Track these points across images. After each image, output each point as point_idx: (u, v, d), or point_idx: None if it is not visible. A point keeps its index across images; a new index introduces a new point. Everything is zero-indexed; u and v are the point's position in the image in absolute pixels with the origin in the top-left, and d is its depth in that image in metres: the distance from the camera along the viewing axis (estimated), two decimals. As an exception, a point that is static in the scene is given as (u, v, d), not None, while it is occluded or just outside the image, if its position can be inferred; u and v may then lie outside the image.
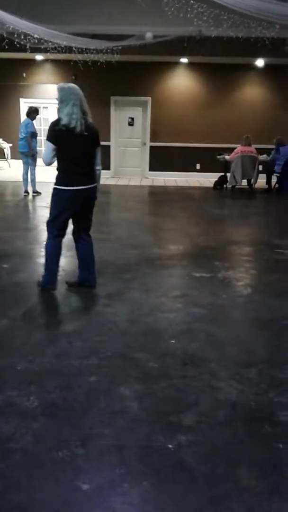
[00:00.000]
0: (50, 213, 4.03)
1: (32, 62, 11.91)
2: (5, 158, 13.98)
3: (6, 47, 8.56)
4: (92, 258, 4.23)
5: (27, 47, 8.68)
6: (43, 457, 2.09)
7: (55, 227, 4.01)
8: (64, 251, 5.42)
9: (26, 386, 2.64)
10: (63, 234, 4.07)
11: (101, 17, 9.52)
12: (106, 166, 12.77)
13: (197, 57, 11.15)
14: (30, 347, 3.11)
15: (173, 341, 3.27)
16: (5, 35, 8.37)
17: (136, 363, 2.95)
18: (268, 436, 2.29)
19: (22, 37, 8.34)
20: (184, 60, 11.86)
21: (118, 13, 9.29)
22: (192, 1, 7.26)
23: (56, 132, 3.73)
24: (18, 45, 8.67)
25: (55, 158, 3.85)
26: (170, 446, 2.19)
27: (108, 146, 12.68)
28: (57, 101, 3.77)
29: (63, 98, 3.71)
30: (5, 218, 7.57)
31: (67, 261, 4.84)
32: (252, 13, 7.25)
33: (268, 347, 3.25)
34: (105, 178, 12.47)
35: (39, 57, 11.52)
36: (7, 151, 13.89)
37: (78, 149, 3.80)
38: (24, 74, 12.09)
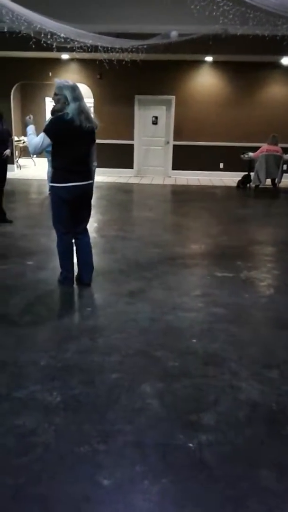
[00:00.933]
0: (52, 213, 4.08)
1: (58, 61, 12.01)
2: (30, 156, 14.17)
3: (33, 46, 8.65)
4: (86, 254, 4.23)
5: (54, 46, 8.75)
6: (65, 451, 2.13)
7: (61, 225, 4.06)
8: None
9: (49, 382, 2.68)
10: (69, 231, 4.10)
11: (126, 16, 9.54)
12: (129, 165, 12.82)
13: (222, 55, 11.08)
14: (53, 343, 3.15)
15: (194, 340, 3.28)
16: (32, 35, 8.45)
17: (157, 361, 2.97)
18: (289, 438, 2.27)
19: (48, 37, 8.41)
20: (209, 58, 11.79)
21: (144, 11, 9.29)
22: (218, -1, 7.21)
23: (58, 129, 3.73)
24: (44, 45, 8.75)
25: (41, 151, 3.90)
26: (190, 445, 2.20)
27: (132, 145, 12.72)
28: (57, 97, 3.78)
29: (66, 94, 3.69)
30: (30, 216, 7.67)
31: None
32: (278, 11, 7.15)
33: (290, 349, 3.23)
34: (128, 176, 12.53)
35: (65, 56, 11.61)
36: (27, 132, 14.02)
37: (79, 146, 3.81)
38: (50, 73, 12.19)
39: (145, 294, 4.14)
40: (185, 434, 2.27)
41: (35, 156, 13.80)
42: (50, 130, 3.75)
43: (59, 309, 3.83)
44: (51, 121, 3.83)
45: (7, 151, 6.47)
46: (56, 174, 3.89)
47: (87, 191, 4.02)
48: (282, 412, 2.46)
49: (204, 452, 2.16)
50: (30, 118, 4.01)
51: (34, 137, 3.83)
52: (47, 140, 3.74)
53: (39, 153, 3.87)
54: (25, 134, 13.79)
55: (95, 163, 4.08)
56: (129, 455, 2.12)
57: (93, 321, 3.58)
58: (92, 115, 3.87)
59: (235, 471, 2.05)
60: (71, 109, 3.68)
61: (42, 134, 3.74)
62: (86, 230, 4.22)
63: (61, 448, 2.15)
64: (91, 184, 4.04)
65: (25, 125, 4.02)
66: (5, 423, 2.31)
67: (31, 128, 3.91)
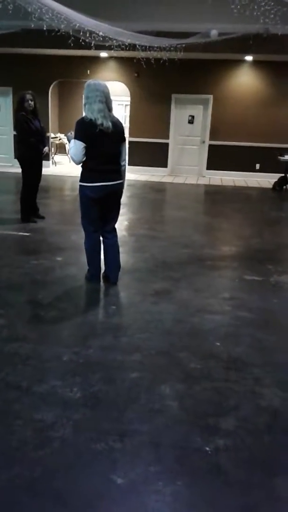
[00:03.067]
0: (80, 212, 4.10)
1: (96, 59, 12.11)
2: (66, 153, 14.34)
3: (72, 44, 8.74)
4: (114, 257, 4.25)
5: (92, 44, 8.84)
6: (82, 447, 2.15)
7: (89, 224, 4.09)
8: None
9: (70, 377, 2.71)
10: (97, 230, 4.13)
11: (166, 15, 9.52)
12: (163, 164, 12.79)
13: (262, 55, 10.91)
14: (77, 339, 3.19)
15: (218, 343, 3.24)
16: (71, 33, 8.55)
17: (179, 362, 2.95)
18: (309, 448, 2.22)
19: (87, 35, 8.50)
20: (248, 58, 11.63)
21: (183, 10, 9.25)
22: (259, -1, 7.12)
23: (85, 130, 3.72)
24: (83, 43, 8.84)
25: (84, 156, 3.79)
26: (207, 448, 2.19)
27: (167, 144, 12.69)
28: (84, 98, 3.78)
29: (89, 95, 3.70)
30: (63, 212, 7.77)
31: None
32: None
33: None
34: (162, 175, 12.51)
35: (103, 54, 11.69)
36: (68, 147, 14.22)
37: (105, 146, 3.79)
38: (88, 71, 12.31)
39: (171, 294, 4.12)
40: (203, 438, 2.25)
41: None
42: (77, 133, 3.76)
43: (85, 306, 3.86)
44: (76, 125, 3.82)
45: (46, 148, 6.57)
46: (84, 174, 3.93)
47: (116, 191, 4.00)
48: (304, 422, 2.41)
49: (221, 457, 2.13)
50: (71, 134, 3.99)
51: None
52: (80, 144, 3.72)
53: (81, 160, 3.79)
54: (61, 132, 14.02)
55: (124, 162, 4.02)
56: (145, 455, 2.12)
57: (117, 319, 3.59)
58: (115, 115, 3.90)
59: (250, 478, 2.02)
60: (87, 110, 3.71)
61: (73, 141, 3.78)
62: (114, 229, 4.23)
63: (77, 444, 2.17)
64: (120, 184, 4.02)
65: (68, 141, 4.04)
66: (25, 416, 2.35)
67: (72, 142, 3.88)
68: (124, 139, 3.99)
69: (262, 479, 2.02)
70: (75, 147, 3.74)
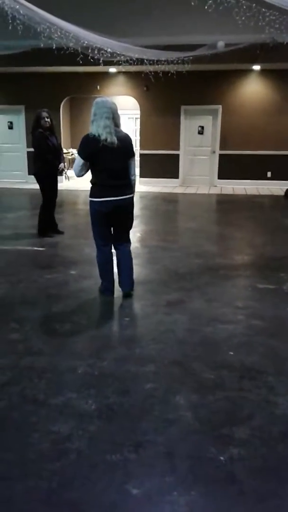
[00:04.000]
0: (91, 226, 4.18)
1: (105, 74, 12.30)
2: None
3: (81, 61, 8.91)
4: (127, 266, 4.27)
5: (100, 60, 8.99)
6: (97, 459, 2.18)
7: (99, 238, 4.16)
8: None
9: (85, 389, 2.75)
10: (108, 243, 4.19)
11: (173, 28, 9.65)
12: (175, 175, 12.87)
13: (270, 64, 10.97)
14: (91, 352, 3.23)
15: (231, 352, 3.26)
16: (80, 50, 8.72)
17: (192, 372, 2.97)
18: None
19: (95, 52, 8.66)
20: (256, 67, 11.71)
21: (190, 23, 9.36)
22: (263, 10, 7.17)
23: (87, 147, 3.84)
24: (92, 60, 9.01)
25: (84, 171, 3.94)
26: (221, 458, 2.20)
27: (177, 155, 12.78)
28: (92, 115, 3.87)
29: (96, 112, 3.81)
30: (76, 226, 7.87)
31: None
32: None
33: None
34: (173, 186, 12.58)
35: (112, 69, 11.88)
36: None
37: (111, 161, 3.86)
38: (98, 87, 12.50)
39: (184, 305, 4.15)
40: (217, 447, 2.27)
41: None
42: (80, 150, 3.90)
43: (99, 318, 3.91)
44: (80, 142, 3.93)
45: (61, 165, 6.70)
46: (92, 189, 4.01)
47: (124, 206, 4.02)
48: None
49: (235, 466, 2.15)
50: None
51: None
52: (80, 160, 3.89)
53: (82, 174, 3.95)
54: (73, 147, 14.18)
55: (133, 177, 4.08)
56: (160, 465, 2.14)
57: (130, 331, 3.63)
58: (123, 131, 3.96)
59: (265, 487, 2.03)
60: (94, 127, 3.81)
61: (76, 156, 3.95)
62: (127, 240, 4.27)
63: (93, 455, 2.20)
64: (129, 199, 4.05)
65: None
66: (41, 428, 2.39)
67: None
68: (132, 154, 4.04)
69: (277, 487, 2.03)
70: (76, 162, 3.95)
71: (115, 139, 3.80)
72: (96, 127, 3.79)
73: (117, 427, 2.42)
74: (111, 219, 4.05)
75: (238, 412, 2.56)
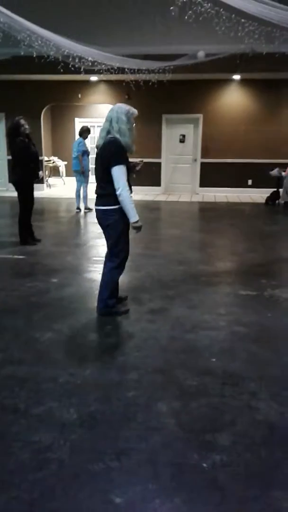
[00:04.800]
0: None
1: (87, 83, 12.33)
2: (60, 175, 14.49)
3: (61, 70, 8.92)
4: (101, 282, 3.98)
5: (82, 69, 9.01)
6: (79, 468, 2.15)
7: None
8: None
9: (67, 398, 2.72)
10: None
11: (153, 38, 9.74)
12: (157, 183, 12.93)
13: (249, 73, 11.14)
14: (73, 360, 3.20)
15: (213, 359, 3.26)
16: (60, 59, 8.72)
17: (175, 380, 2.97)
18: (305, 461, 2.23)
19: (76, 60, 8.67)
20: (236, 76, 11.87)
21: (170, 33, 9.46)
22: (242, 20, 7.28)
23: None
24: (72, 68, 9.02)
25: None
26: (204, 465, 2.19)
27: (159, 163, 12.85)
28: None
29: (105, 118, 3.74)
30: (57, 233, 7.83)
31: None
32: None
33: (311, 369, 3.17)
34: (156, 194, 12.62)
35: (93, 78, 11.91)
36: (62, 169, 14.40)
37: (96, 167, 3.81)
38: (80, 95, 12.52)
39: (167, 312, 4.15)
40: (200, 454, 2.26)
41: (64, 176, 14.16)
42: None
43: (81, 327, 3.87)
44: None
45: (41, 173, 6.71)
46: None
47: (100, 217, 3.81)
48: (300, 434, 2.42)
49: (218, 472, 2.14)
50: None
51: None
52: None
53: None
54: (54, 155, 14.18)
55: (118, 191, 3.58)
56: (142, 473, 2.13)
57: (113, 339, 3.61)
58: (116, 136, 3.60)
59: (248, 492, 2.03)
60: None
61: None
62: (106, 257, 3.97)
63: (75, 465, 2.18)
64: (102, 211, 3.74)
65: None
66: (22, 438, 2.35)
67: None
68: (110, 163, 3.57)
69: (259, 493, 2.03)
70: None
71: (100, 143, 3.69)
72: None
73: (99, 436, 2.39)
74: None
75: (220, 419, 2.56)
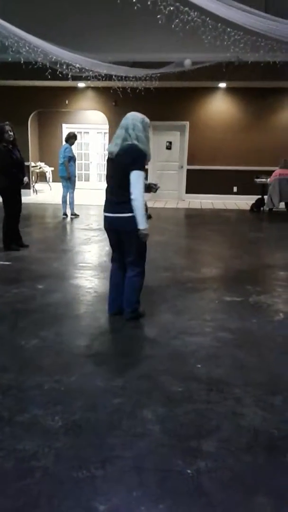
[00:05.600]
0: None
1: (74, 89, 12.35)
2: (46, 181, 14.47)
3: (49, 76, 8.93)
4: (130, 288, 3.96)
5: (69, 76, 9.04)
6: (63, 476, 2.15)
7: (112, 255, 4.12)
8: (97, 272, 5.57)
9: (52, 406, 2.71)
10: (116, 260, 4.07)
11: (140, 46, 9.82)
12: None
13: (235, 81, 11.27)
14: (58, 367, 3.19)
15: (199, 365, 3.28)
16: (48, 65, 8.74)
17: (160, 386, 2.97)
18: (289, 466, 2.25)
19: (64, 67, 8.70)
20: (222, 84, 12.00)
21: (157, 41, 9.55)
22: (228, 29, 7.39)
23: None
24: (60, 75, 9.04)
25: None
26: (189, 471, 2.20)
27: (146, 170, 12.86)
28: None
29: (120, 125, 3.72)
30: (44, 239, 7.80)
31: (101, 283, 4.94)
32: (288, 39, 7.30)
33: (295, 375, 3.20)
34: (143, 200, 12.64)
35: (80, 84, 11.94)
36: (49, 175, 14.38)
37: (109, 174, 3.83)
38: (67, 101, 12.54)
39: (153, 318, 4.16)
40: (185, 460, 2.27)
41: (51, 181, 14.14)
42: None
43: (66, 333, 3.86)
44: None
45: (25, 178, 6.69)
46: None
47: (119, 225, 3.75)
48: (283, 439, 2.44)
49: (203, 479, 2.15)
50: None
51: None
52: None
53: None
54: (41, 160, 14.15)
55: (133, 196, 3.59)
56: (127, 480, 2.13)
57: (98, 346, 3.61)
58: (135, 143, 3.60)
59: (232, 498, 2.04)
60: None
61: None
62: (131, 263, 3.92)
63: (59, 473, 2.17)
64: (124, 218, 3.70)
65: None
66: (6, 447, 2.34)
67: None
68: (131, 169, 3.57)
69: (244, 498, 2.04)
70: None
71: (113, 150, 3.65)
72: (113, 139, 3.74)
73: (84, 443, 2.39)
74: (114, 237, 3.90)
75: (205, 425, 2.57)
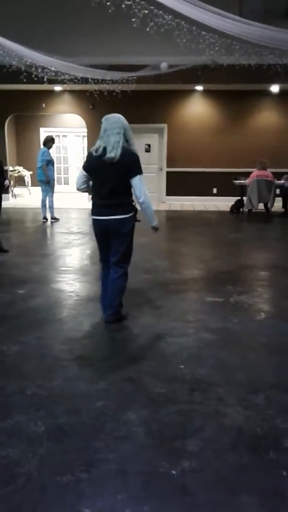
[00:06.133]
0: None
1: (51, 93, 12.30)
2: (25, 185, 14.36)
3: (24, 80, 8.87)
4: (112, 290, 3.98)
5: (45, 79, 8.99)
6: (47, 481, 2.13)
7: (100, 254, 4.10)
8: (78, 276, 5.55)
9: (35, 411, 2.69)
10: (104, 261, 4.07)
11: (116, 49, 9.84)
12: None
13: (211, 84, 11.37)
14: (40, 372, 3.16)
15: (182, 366, 3.29)
16: (23, 69, 8.68)
17: (144, 388, 2.97)
18: (272, 463, 2.28)
19: (39, 70, 8.65)
20: (199, 87, 12.09)
21: (133, 44, 9.57)
22: (203, 32, 7.44)
23: (87, 161, 3.83)
24: (35, 78, 8.99)
25: (86, 185, 3.90)
26: (173, 472, 2.20)
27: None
28: (102, 131, 3.71)
29: (106, 128, 3.67)
30: (23, 244, 7.74)
31: (82, 286, 4.92)
32: (262, 42, 7.39)
33: (277, 373, 3.24)
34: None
35: (57, 88, 11.89)
36: (27, 179, 14.27)
37: (104, 178, 3.72)
38: (44, 105, 12.48)
39: (135, 320, 4.16)
40: (169, 461, 2.27)
41: (30, 186, 14.02)
42: (84, 163, 3.87)
43: (47, 338, 3.83)
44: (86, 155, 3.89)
45: (6, 182, 6.65)
46: (92, 206, 3.93)
47: (114, 226, 3.79)
48: (266, 437, 2.47)
49: (187, 479, 2.15)
50: None
51: None
52: (81, 172, 3.87)
53: (83, 188, 3.91)
54: (19, 164, 14.04)
55: (141, 199, 3.79)
56: (112, 483, 2.12)
57: (81, 349, 3.59)
58: (131, 147, 3.76)
59: (217, 498, 2.05)
60: (102, 142, 3.68)
61: (79, 169, 3.92)
62: (116, 264, 3.95)
63: (43, 478, 2.15)
64: (120, 220, 3.77)
65: None
66: (-11, 454, 2.31)
67: None
68: (133, 172, 3.70)
69: (228, 498, 2.05)
70: (78, 175, 3.92)
71: (112, 155, 3.61)
72: (103, 143, 3.66)
73: (68, 448, 2.37)
74: (104, 237, 3.91)
75: (189, 425, 2.58)
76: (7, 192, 11.94)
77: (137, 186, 3.74)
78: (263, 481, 2.15)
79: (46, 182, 9.49)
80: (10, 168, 13.08)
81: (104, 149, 3.65)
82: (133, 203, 3.91)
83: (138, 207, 3.93)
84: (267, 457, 2.31)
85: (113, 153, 3.62)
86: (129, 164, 3.68)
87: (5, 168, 7.76)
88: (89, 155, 3.81)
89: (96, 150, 3.69)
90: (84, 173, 3.85)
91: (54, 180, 9.73)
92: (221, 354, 3.51)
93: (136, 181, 3.72)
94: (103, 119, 3.76)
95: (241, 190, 11.11)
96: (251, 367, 3.32)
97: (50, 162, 9.47)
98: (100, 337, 3.85)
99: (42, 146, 9.79)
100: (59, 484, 2.10)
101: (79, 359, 3.38)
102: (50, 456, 2.30)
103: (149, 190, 13.33)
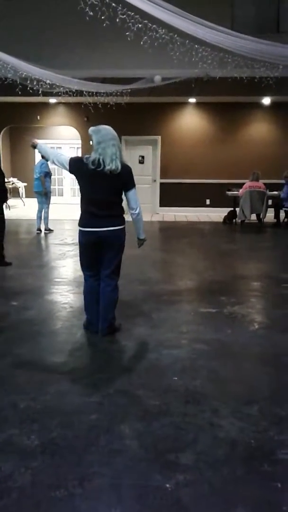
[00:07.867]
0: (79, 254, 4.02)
1: (46, 105, 12.38)
2: (19, 196, 14.38)
3: (19, 92, 8.93)
4: (106, 303, 3.95)
5: (40, 91, 9.05)
6: (41, 496, 2.11)
7: (84, 268, 3.99)
8: (72, 287, 5.54)
9: (28, 425, 2.67)
10: (93, 275, 3.96)
11: (111, 62, 9.94)
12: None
13: (204, 97, 11.50)
14: (33, 385, 3.14)
15: (175, 378, 3.28)
16: (18, 81, 8.74)
17: (137, 400, 2.97)
18: (267, 475, 2.27)
19: (34, 83, 8.71)
20: (192, 100, 12.21)
21: (127, 57, 9.68)
22: (196, 46, 7.54)
23: (75, 165, 3.70)
24: (31, 90, 9.05)
25: (59, 164, 3.80)
26: (167, 485, 2.19)
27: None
28: (95, 144, 3.61)
29: (100, 140, 3.58)
30: (18, 255, 7.71)
31: (76, 298, 4.91)
32: (254, 56, 7.49)
33: (270, 384, 3.24)
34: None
35: (52, 100, 11.97)
36: (22, 190, 14.31)
37: (98, 189, 3.67)
38: (38, 117, 12.54)
39: (129, 332, 4.15)
40: (163, 475, 2.26)
41: (24, 197, 14.03)
42: (70, 161, 3.74)
43: (41, 350, 3.81)
44: (72, 157, 3.80)
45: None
46: (79, 217, 3.84)
47: (108, 237, 3.78)
48: (260, 449, 2.46)
49: (181, 492, 2.14)
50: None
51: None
52: (66, 162, 3.74)
53: (56, 161, 3.79)
54: (14, 176, 14.07)
55: (133, 211, 3.91)
56: (105, 498, 2.11)
57: (74, 361, 3.58)
58: (123, 160, 3.72)
59: (212, 511, 2.04)
60: (94, 153, 3.59)
61: (67, 157, 3.79)
62: (111, 277, 3.93)
63: (36, 493, 2.13)
64: (114, 231, 3.78)
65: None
66: (-19, 468, 2.29)
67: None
68: (129, 185, 3.77)
69: (223, 511, 2.04)
70: (63, 158, 3.79)
71: (118, 166, 3.60)
72: (99, 155, 3.57)
73: (61, 462, 2.35)
74: (95, 249, 3.83)
75: (183, 437, 2.58)
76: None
77: (133, 198, 3.84)
78: (258, 494, 2.14)
79: (44, 194, 9.50)
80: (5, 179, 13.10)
81: (102, 161, 3.58)
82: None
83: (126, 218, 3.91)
84: (262, 469, 2.31)
85: (114, 165, 3.58)
86: (127, 177, 3.74)
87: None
88: (80, 162, 3.68)
89: (93, 163, 3.59)
90: (67, 166, 3.71)
91: (51, 192, 9.76)
92: (215, 365, 3.51)
93: (132, 193, 3.83)
94: (91, 132, 3.65)
95: (234, 201, 11.18)
96: (244, 378, 3.32)
97: (48, 174, 9.49)
98: (94, 349, 3.84)
99: (40, 158, 9.81)
100: (53, 499, 2.09)
101: (73, 372, 3.37)
102: (43, 470, 2.29)
103: (143, 202, 13.45)
